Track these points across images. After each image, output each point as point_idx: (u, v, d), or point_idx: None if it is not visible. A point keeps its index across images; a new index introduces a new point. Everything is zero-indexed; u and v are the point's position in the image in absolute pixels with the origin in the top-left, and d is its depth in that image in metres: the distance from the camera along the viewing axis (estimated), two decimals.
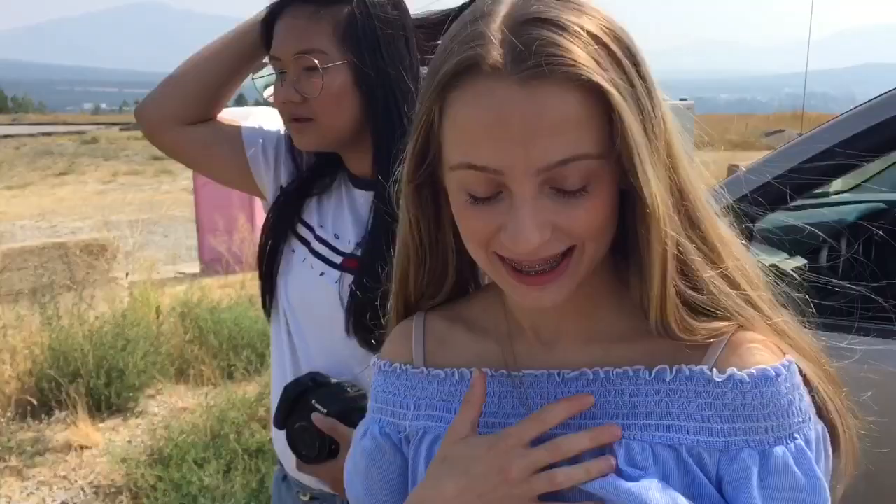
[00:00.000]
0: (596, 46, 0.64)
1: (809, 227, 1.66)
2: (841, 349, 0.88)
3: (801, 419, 0.69)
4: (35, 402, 4.03)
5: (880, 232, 2.29)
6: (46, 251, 4.99)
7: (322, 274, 1.25)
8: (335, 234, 1.27)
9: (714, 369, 0.70)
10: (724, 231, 0.75)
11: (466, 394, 0.74)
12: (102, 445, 3.78)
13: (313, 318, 1.26)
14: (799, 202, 2.56)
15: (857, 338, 1.75)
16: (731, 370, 0.69)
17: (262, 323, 4.58)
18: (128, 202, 15.53)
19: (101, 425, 4.01)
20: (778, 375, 0.69)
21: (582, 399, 0.71)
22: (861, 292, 1.34)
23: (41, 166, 22.00)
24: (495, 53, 0.63)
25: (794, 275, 1.21)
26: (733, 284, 0.72)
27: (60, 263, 4.91)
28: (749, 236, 1.28)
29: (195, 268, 8.20)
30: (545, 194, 0.65)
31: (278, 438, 1.28)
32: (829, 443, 0.73)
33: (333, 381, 1.18)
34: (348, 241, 1.26)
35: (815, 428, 0.71)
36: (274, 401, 1.28)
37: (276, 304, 1.32)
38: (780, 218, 2.40)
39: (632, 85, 0.65)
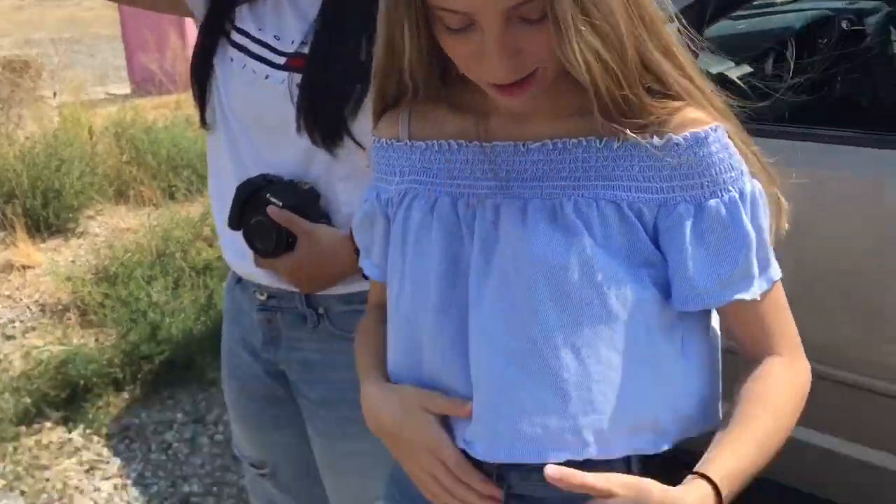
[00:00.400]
0: None
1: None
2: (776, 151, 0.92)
3: (733, 174, 0.79)
4: None
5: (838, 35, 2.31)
6: None
7: (267, 77, 1.21)
8: (275, 36, 1.21)
9: (655, 136, 0.78)
10: (672, 34, 0.81)
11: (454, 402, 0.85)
12: (45, 265, 3.76)
13: (260, 123, 1.23)
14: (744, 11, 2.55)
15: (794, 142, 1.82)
16: (669, 135, 0.78)
17: (202, 143, 4.49)
18: (47, 19, 14.65)
19: (41, 245, 3.98)
20: (707, 137, 0.78)
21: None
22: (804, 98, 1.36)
23: None
24: None
25: (739, 82, 1.23)
26: (684, 74, 0.80)
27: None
28: (695, 44, 1.28)
29: (125, 88, 7.90)
30: (512, 24, 0.73)
31: (229, 245, 1.28)
32: (765, 198, 0.81)
33: (285, 179, 1.18)
34: (291, 41, 1.20)
35: (751, 181, 0.80)
36: (217, 213, 1.27)
37: (214, 116, 1.28)
38: (726, 26, 2.39)
39: None
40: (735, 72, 2.14)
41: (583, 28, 0.71)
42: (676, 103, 0.79)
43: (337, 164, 1.17)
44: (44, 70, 5.08)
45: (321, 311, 1.24)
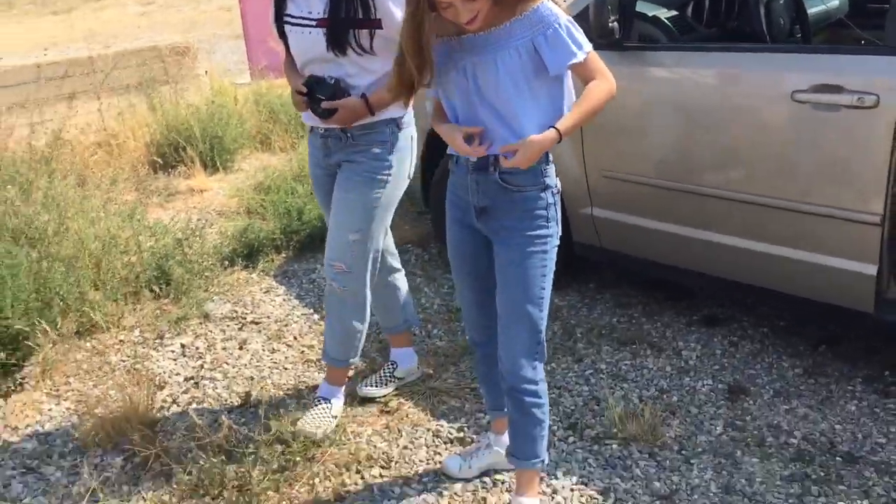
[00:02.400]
0: None
1: None
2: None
3: (556, 18, 1.92)
4: (160, 161, 5.48)
5: None
6: (143, 53, 6.26)
7: (309, 32, 2.47)
8: (308, 11, 2.48)
9: (524, 12, 1.95)
10: None
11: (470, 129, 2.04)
12: (216, 189, 5.24)
13: (307, 54, 2.51)
14: None
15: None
16: (529, 10, 1.95)
17: None
18: (169, 23, 16.48)
19: (211, 178, 5.46)
20: (540, 6, 1.95)
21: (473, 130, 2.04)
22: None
23: None
24: None
25: (665, 20, 2.58)
26: None
27: (157, 62, 6.20)
28: None
29: (247, 78, 9.43)
30: None
31: (307, 118, 2.61)
32: (571, 21, 1.98)
33: (324, 77, 2.48)
34: (318, 11, 2.45)
35: (565, 18, 1.94)
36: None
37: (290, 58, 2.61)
38: None
39: None
40: (665, 14, 3.37)
41: None
42: None
43: (348, 65, 2.46)
44: (199, 52, 6.60)
45: (349, 134, 2.55)
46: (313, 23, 2.43)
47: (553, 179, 2.10)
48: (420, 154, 3.83)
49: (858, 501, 2.37)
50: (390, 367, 2.99)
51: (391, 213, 2.67)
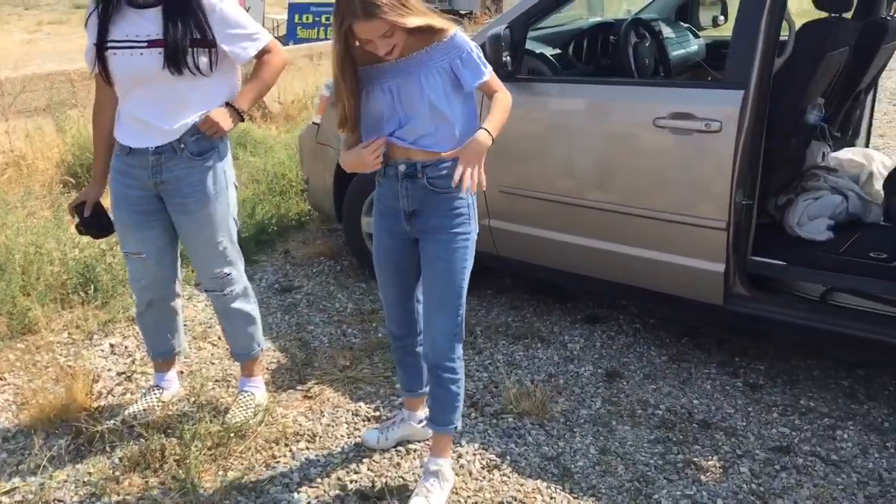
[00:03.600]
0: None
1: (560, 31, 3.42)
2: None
3: (466, 45, 2.29)
4: (73, 180, 5.62)
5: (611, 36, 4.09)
6: (52, 77, 6.40)
7: (140, 54, 2.58)
8: (136, 34, 2.56)
9: (440, 41, 2.33)
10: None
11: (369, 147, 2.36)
12: None
13: (136, 75, 2.58)
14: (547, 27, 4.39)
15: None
16: (445, 38, 2.33)
17: None
18: (59, 51, 16.26)
19: None
20: (455, 35, 2.28)
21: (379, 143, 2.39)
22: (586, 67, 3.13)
23: None
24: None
25: (551, 58, 3.09)
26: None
27: (67, 86, 6.34)
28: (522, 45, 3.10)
29: None
30: (384, 37, 2.17)
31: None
32: (477, 47, 2.37)
33: None
34: (150, 33, 2.48)
35: (472, 45, 2.32)
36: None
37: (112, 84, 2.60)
38: (541, 34, 4.23)
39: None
40: (549, 52, 3.89)
41: (404, 27, 2.25)
42: (440, 25, 2.30)
43: (181, 83, 2.55)
44: None
45: (183, 147, 2.63)
46: (143, 44, 2.52)
47: None
48: (333, 176, 4.23)
49: (710, 457, 2.86)
50: (157, 392, 3.08)
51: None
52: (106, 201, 2.84)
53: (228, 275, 2.86)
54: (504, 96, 2.41)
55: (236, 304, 2.93)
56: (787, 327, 3.23)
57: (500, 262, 3.87)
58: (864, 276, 3.11)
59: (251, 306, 3.00)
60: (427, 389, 2.75)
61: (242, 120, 2.72)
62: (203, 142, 2.67)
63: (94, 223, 2.85)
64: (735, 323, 3.48)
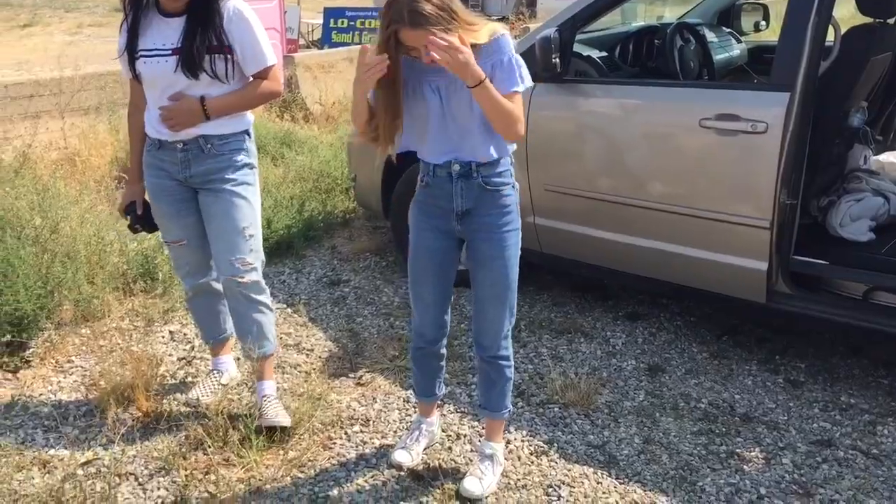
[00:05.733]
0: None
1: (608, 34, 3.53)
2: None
3: (508, 50, 2.32)
4: (126, 176, 5.79)
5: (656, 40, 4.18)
6: (104, 77, 6.61)
7: (166, 61, 2.72)
8: (163, 44, 2.73)
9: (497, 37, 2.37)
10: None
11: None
12: None
13: (163, 81, 2.70)
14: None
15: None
16: (489, 41, 2.34)
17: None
18: (98, 52, 16.61)
19: None
20: (502, 36, 2.29)
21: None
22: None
23: (3, 18, 22.49)
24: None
25: (598, 60, 3.20)
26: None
27: (118, 86, 6.55)
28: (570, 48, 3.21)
29: None
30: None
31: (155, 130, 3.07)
32: (518, 57, 2.39)
33: None
34: (173, 42, 2.73)
35: (507, 54, 2.35)
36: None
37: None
38: (589, 37, 4.34)
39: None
40: (596, 54, 4.00)
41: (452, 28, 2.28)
42: (484, 40, 2.28)
43: (202, 87, 2.67)
44: None
45: (210, 145, 2.75)
46: (168, 52, 2.66)
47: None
48: (381, 173, 4.36)
49: (752, 448, 2.95)
50: (216, 375, 3.22)
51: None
52: None
53: (251, 263, 2.85)
54: (518, 109, 2.33)
55: (253, 294, 2.89)
56: (828, 325, 3.30)
57: (544, 258, 3.97)
58: None
59: (267, 299, 2.96)
60: (442, 394, 2.89)
61: (207, 119, 2.72)
62: (231, 142, 2.78)
63: (147, 220, 3.00)
64: (777, 320, 3.55)
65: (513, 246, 2.49)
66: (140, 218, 2.99)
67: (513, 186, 2.48)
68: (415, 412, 3.13)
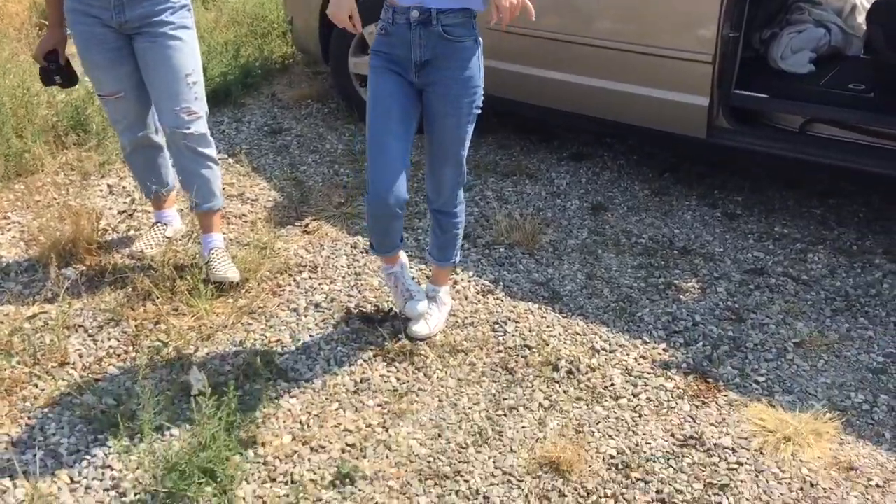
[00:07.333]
0: None
1: None
2: None
3: None
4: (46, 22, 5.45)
5: None
6: None
7: None
8: None
9: None
10: None
11: None
12: None
13: None
14: None
15: None
16: None
17: None
18: None
19: None
20: None
21: None
22: None
23: None
24: None
25: None
26: None
27: None
28: None
29: None
30: None
31: None
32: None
33: None
34: None
35: None
36: None
37: None
38: None
39: None
40: None
41: None
42: None
43: None
44: None
45: None
46: None
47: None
48: (319, 16, 4.17)
49: (689, 279, 3.05)
50: (161, 228, 3.16)
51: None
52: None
53: (196, 112, 2.73)
54: None
55: (200, 147, 2.79)
56: (766, 158, 3.35)
57: (488, 101, 3.90)
58: (842, 107, 3.21)
59: (213, 153, 2.85)
60: (404, 242, 2.70)
61: None
62: None
63: (64, 72, 2.82)
64: (717, 156, 3.60)
65: (468, 105, 2.35)
66: (62, 69, 2.82)
67: (476, 41, 2.32)
68: (363, 257, 3.14)
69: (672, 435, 2.30)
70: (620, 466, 2.18)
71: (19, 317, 2.70)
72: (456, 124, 2.37)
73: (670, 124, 3.41)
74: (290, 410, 2.35)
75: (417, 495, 2.08)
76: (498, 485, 2.12)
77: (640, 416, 2.37)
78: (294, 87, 4.85)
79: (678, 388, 2.49)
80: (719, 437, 2.29)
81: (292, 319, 2.76)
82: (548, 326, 2.76)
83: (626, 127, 3.57)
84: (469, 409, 2.38)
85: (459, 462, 2.18)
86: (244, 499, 2.04)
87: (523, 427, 2.31)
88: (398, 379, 2.50)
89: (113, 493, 2.04)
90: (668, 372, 2.56)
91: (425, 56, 2.29)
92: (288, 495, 2.06)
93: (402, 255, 2.74)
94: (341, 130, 4.29)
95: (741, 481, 2.15)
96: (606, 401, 2.43)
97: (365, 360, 2.57)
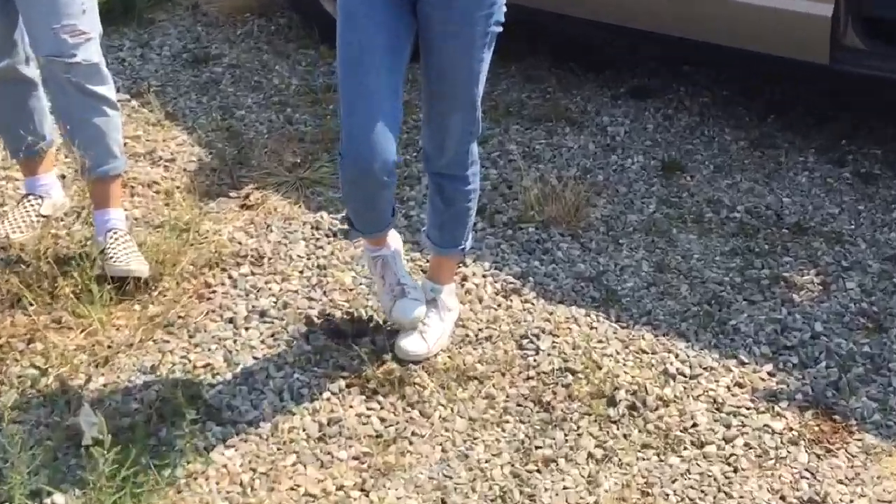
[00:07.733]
0: None
1: None
2: None
3: None
4: None
5: None
6: None
7: None
8: None
9: None
10: None
11: None
12: None
13: None
14: None
15: None
16: None
17: None
18: None
19: None
20: None
21: None
22: None
23: None
24: None
25: None
26: None
27: None
28: None
29: None
30: None
31: None
32: None
33: None
34: None
35: None
36: None
37: None
38: None
39: None
40: None
41: None
42: None
43: None
44: None
45: None
46: None
47: None
48: None
49: (805, 271, 3.05)
50: (33, 203, 3.15)
51: None
52: None
53: (85, 32, 2.73)
54: None
55: (91, 85, 2.79)
56: None
57: (510, 13, 3.89)
58: None
59: (111, 93, 2.88)
60: (395, 218, 2.70)
61: None
62: None
63: None
64: (844, 90, 3.59)
65: (483, 21, 2.31)
66: None
67: None
68: (329, 242, 3.14)
69: (783, 498, 2.30)
70: None
71: None
72: (466, 49, 2.35)
73: (775, 45, 3.40)
74: (225, 466, 2.35)
75: None
76: None
77: (736, 470, 2.37)
78: None
79: (791, 429, 2.49)
80: (851, 500, 2.29)
81: (227, 334, 2.77)
82: (599, 342, 2.77)
83: (711, 49, 3.56)
84: (486, 462, 2.38)
85: None
86: None
87: (565, 489, 2.31)
88: (383, 419, 2.50)
89: None
90: (776, 406, 2.56)
91: None
92: None
93: (394, 236, 2.75)
94: (295, 57, 4.30)
95: None
96: (686, 449, 2.43)
97: (334, 394, 2.57)
